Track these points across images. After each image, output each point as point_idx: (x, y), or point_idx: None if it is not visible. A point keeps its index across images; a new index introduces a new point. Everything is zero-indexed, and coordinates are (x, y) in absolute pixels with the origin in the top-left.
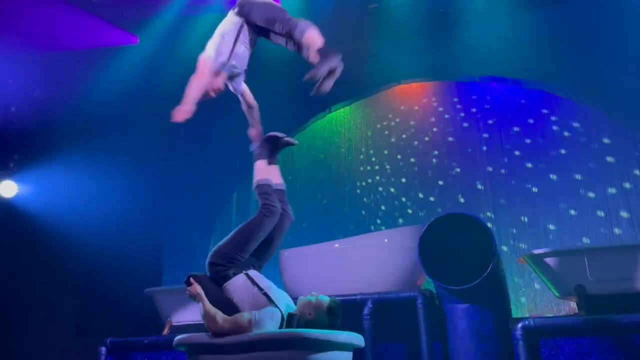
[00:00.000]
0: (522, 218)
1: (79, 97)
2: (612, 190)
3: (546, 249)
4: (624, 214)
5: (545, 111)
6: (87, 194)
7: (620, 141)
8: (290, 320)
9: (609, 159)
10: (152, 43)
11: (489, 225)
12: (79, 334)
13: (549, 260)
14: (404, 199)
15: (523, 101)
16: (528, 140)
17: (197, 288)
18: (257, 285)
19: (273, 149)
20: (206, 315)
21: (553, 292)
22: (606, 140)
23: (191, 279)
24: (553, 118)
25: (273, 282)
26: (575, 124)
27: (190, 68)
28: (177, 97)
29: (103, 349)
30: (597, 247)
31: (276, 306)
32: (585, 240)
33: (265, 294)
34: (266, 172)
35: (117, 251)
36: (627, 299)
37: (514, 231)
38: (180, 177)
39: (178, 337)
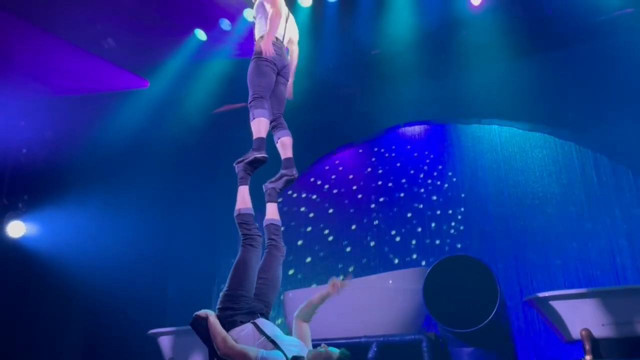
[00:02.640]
0: (529, 255)
1: (88, 140)
2: None
3: (551, 292)
4: (625, 243)
5: (561, 158)
6: (93, 236)
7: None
8: None
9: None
10: (162, 87)
11: (500, 266)
12: None
13: (554, 304)
14: (406, 241)
15: (523, 144)
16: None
17: (207, 311)
18: (264, 334)
19: (253, 171)
20: (215, 335)
21: (559, 336)
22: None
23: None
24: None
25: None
26: (591, 170)
27: (198, 113)
28: (184, 142)
29: None
30: (604, 289)
31: (282, 351)
32: (595, 272)
33: (272, 341)
34: (248, 200)
35: (122, 292)
36: (635, 343)
37: (521, 272)
38: (185, 219)
39: None
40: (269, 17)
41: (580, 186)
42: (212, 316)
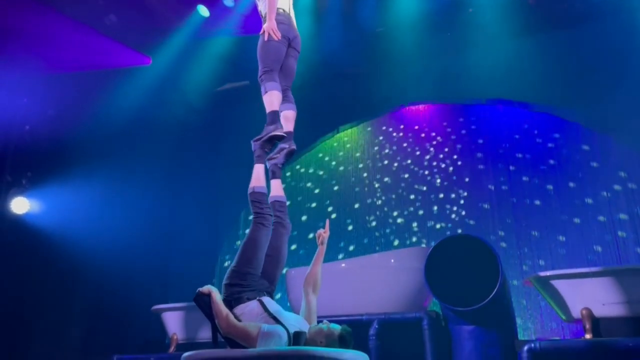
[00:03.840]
0: (533, 232)
1: (91, 117)
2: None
3: (552, 271)
4: (623, 216)
5: (557, 135)
6: (96, 212)
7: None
8: (297, 338)
9: (594, 164)
10: (164, 64)
11: (503, 244)
12: (87, 351)
13: (554, 283)
14: (409, 221)
15: (526, 126)
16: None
17: (210, 288)
18: (267, 311)
19: (271, 148)
20: (218, 313)
21: (559, 315)
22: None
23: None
24: (557, 140)
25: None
26: (585, 147)
27: (201, 90)
28: (187, 119)
29: None
30: (604, 269)
31: (284, 327)
32: (597, 248)
33: (275, 318)
34: (263, 179)
35: (125, 269)
36: (635, 322)
37: (526, 250)
38: (188, 195)
39: (186, 354)
40: None
41: (579, 163)
42: (215, 294)
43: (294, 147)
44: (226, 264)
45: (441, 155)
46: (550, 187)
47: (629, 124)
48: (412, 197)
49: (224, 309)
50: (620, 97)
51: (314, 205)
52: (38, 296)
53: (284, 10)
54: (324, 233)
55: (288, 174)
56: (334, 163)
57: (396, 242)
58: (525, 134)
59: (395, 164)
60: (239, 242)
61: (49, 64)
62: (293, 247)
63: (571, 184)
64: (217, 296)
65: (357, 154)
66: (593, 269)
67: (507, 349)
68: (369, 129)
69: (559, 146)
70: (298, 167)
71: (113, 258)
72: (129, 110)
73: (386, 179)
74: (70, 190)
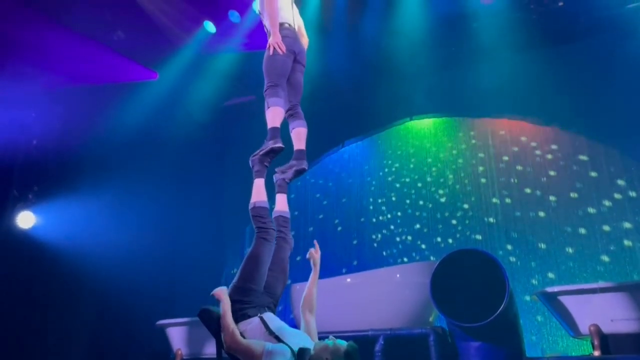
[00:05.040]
0: (540, 245)
1: (98, 131)
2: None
3: (559, 287)
4: (628, 225)
5: (554, 147)
6: (102, 226)
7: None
8: (301, 356)
9: (593, 173)
10: (171, 79)
11: (512, 259)
12: None
13: (562, 299)
14: (415, 237)
15: (524, 138)
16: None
17: (223, 294)
18: (269, 328)
19: (270, 162)
20: (224, 327)
21: (568, 331)
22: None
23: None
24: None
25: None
26: (583, 157)
27: (207, 105)
28: (193, 134)
29: None
30: (612, 285)
31: (287, 345)
32: (604, 258)
33: (276, 337)
34: (264, 194)
35: (130, 283)
36: None
37: (533, 264)
38: (194, 209)
39: None
40: (266, 12)
41: (578, 174)
42: (225, 303)
43: (304, 166)
44: (233, 271)
45: (445, 170)
46: (553, 198)
47: (626, 133)
48: (417, 213)
49: (232, 323)
50: (618, 107)
51: (321, 216)
52: (43, 308)
53: (288, 24)
54: (315, 253)
55: (299, 183)
56: (343, 175)
57: (405, 259)
58: (524, 146)
59: (402, 179)
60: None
61: (56, 78)
62: (298, 258)
63: (572, 195)
64: (227, 306)
65: (362, 168)
66: (601, 285)
67: None
68: (373, 143)
69: (557, 158)
70: (308, 177)
71: (118, 272)
72: (136, 125)
73: (393, 198)
74: (76, 204)
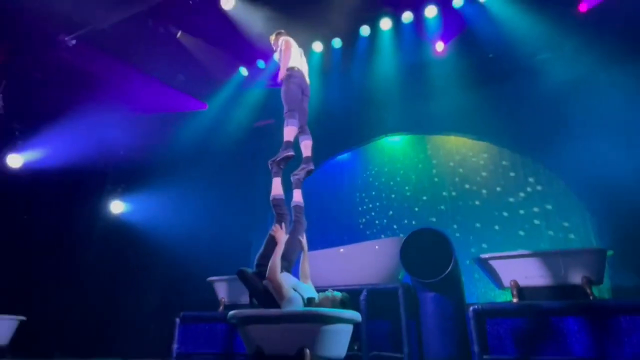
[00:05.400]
0: (476, 224)
1: (165, 146)
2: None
3: (489, 254)
4: (536, 209)
5: (485, 155)
6: (169, 212)
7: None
8: (309, 303)
9: (512, 173)
10: (216, 108)
11: (457, 235)
12: (161, 309)
13: (491, 262)
14: (389, 220)
15: (464, 150)
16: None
17: (279, 234)
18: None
19: (285, 166)
20: (272, 264)
21: (496, 285)
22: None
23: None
24: (505, 163)
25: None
26: (504, 162)
27: (242, 127)
28: (231, 146)
29: (178, 320)
30: (525, 253)
31: (301, 295)
32: (521, 233)
33: (294, 289)
34: (280, 189)
35: (188, 251)
36: (548, 289)
37: (471, 238)
38: (231, 202)
39: (231, 313)
40: (282, 56)
41: (501, 174)
42: (279, 247)
43: (312, 167)
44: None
45: (410, 173)
46: (485, 191)
47: (535, 147)
48: (390, 204)
49: (278, 262)
50: (530, 129)
51: (322, 205)
52: (128, 270)
53: (298, 68)
54: (304, 243)
55: (308, 182)
56: (330, 181)
57: (382, 236)
58: (464, 155)
59: (379, 179)
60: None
61: (135, 108)
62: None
63: (498, 189)
64: (280, 248)
65: (349, 175)
66: (518, 252)
67: (458, 310)
68: (358, 155)
69: (487, 163)
70: (313, 176)
71: (180, 244)
72: (191, 141)
73: (373, 193)
74: (151, 197)
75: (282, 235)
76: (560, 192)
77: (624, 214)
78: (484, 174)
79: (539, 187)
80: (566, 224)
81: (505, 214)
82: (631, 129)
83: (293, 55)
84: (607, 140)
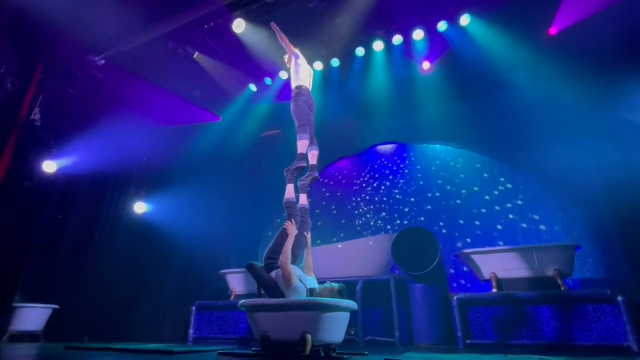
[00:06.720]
0: (460, 221)
1: (183, 153)
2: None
3: (472, 249)
4: (509, 205)
5: (461, 160)
6: (186, 212)
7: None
8: (312, 293)
9: (485, 175)
10: (228, 121)
11: (444, 231)
12: (179, 298)
13: (473, 257)
14: (383, 221)
15: (442, 155)
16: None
17: (291, 228)
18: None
19: (298, 175)
20: (285, 252)
21: (477, 277)
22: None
23: (287, 222)
24: (479, 166)
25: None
26: (478, 165)
27: (250, 137)
28: (241, 154)
29: (193, 308)
30: (503, 248)
31: (305, 285)
32: (499, 227)
33: (299, 280)
34: (293, 193)
35: (203, 247)
36: (524, 281)
37: (456, 234)
38: (241, 204)
39: (241, 302)
40: (296, 70)
41: (477, 176)
42: (291, 235)
43: (316, 175)
44: (270, 233)
45: (399, 177)
46: (464, 191)
47: (507, 153)
48: (383, 206)
49: (289, 251)
50: (504, 137)
51: (324, 204)
52: (149, 264)
53: (306, 87)
54: (308, 239)
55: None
56: (332, 183)
57: (377, 228)
58: (445, 161)
59: (373, 184)
60: (270, 234)
61: (156, 120)
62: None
63: (475, 188)
64: (291, 237)
65: (345, 179)
66: (497, 248)
67: (444, 299)
68: (352, 161)
69: (463, 167)
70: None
71: (195, 240)
72: (206, 150)
73: (367, 197)
74: (171, 198)
75: (293, 230)
76: (528, 188)
77: (586, 208)
78: (462, 176)
79: (509, 186)
80: (536, 217)
81: (483, 210)
82: (590, 136)
83: (301, 74)
84: (568, 146)
